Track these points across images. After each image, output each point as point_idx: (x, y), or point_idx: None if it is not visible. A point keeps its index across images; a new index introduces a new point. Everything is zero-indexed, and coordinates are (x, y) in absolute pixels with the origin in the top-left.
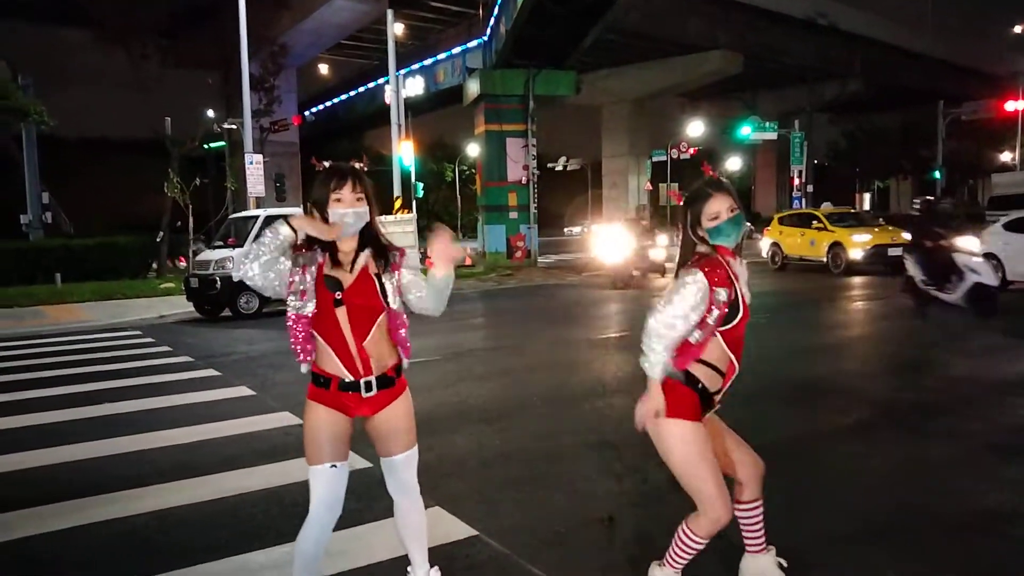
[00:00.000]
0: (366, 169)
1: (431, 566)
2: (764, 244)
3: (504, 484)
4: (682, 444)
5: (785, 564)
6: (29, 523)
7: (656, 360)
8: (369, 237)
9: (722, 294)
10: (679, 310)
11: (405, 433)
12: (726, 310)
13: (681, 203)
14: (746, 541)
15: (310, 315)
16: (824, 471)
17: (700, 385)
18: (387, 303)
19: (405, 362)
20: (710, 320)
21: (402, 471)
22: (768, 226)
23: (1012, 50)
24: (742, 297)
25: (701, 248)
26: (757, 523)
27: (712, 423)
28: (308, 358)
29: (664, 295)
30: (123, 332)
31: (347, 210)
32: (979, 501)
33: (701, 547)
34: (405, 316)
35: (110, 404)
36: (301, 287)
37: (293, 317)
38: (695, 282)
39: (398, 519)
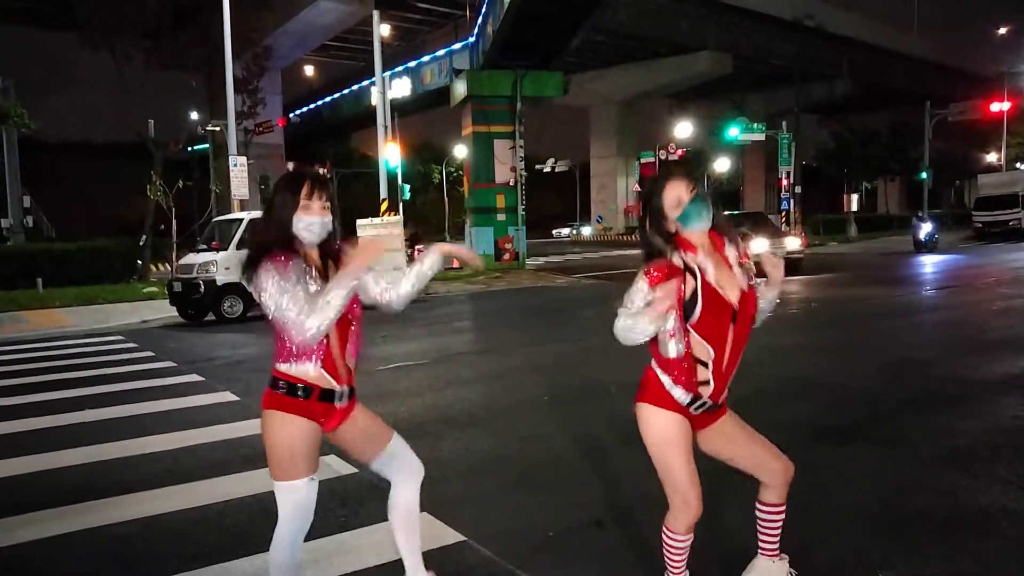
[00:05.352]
0: (330, 176)
1: (427, 571)
2: None
3: (493, 489)
4: (654, 430)
5: (795, 574)
6: (9, 532)
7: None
8: (331, 245)
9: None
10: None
11: (381, 425)
12: (680, 308)
13: (640, 206)
14: (760, 543)
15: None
16: (814, 470)
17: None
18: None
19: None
20: (668, 325)
21: (400, 452)
22: None
23: (997, 51)
24: (704, 289)
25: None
26: (775, 527)
27: (727, 425)
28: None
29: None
30: (105, 337)
31: (315, 219)
32: (970, 500)
33: (684, 545)
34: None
35: (92, 411)
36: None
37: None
38: (638, 284)
39: (396, 514)
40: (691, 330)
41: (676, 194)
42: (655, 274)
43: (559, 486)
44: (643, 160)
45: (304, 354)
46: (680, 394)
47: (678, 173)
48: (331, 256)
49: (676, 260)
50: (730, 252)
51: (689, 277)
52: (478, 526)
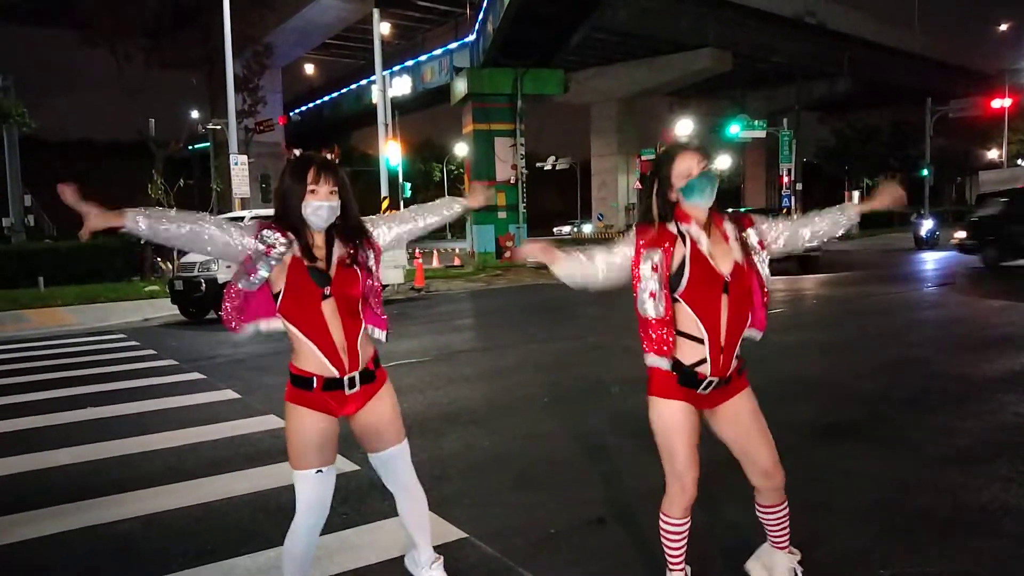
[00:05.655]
0: (338, 160)
1: (435, 553)
2: None
3: (494, 486)
4: (655, 417)
5: (800, 573)
6: (10, 530)
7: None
8: (345, 229)
9: (654, 256)
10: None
11: (393, 426)
12: (667, 272)
13: (648, 171)
14: (769, 536)
15: (252, 292)
16: (815, 469)
17: (674, 362)
18: (369, 280)
19: (382, 333)
20: (649, 285)
21: (395, 466)
22: None
23: (998, 48)
24: (692, 256)
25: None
26: (780, 526)
27: (738, 407)
28: (243, 324)
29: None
30: (107, 336)
31: (322, 203)
32: (972, 498)
33: (682, 530)
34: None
35: (94, 408)
36: (256, 266)
37: (235, 290)
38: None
39: (401, 510)
40: (680, 299)
41: (687, 165)
42: (642, 239)
43: (560, 484)
44: (644, 157)
45: (296, 347)
46: (655, 359)
47: (694, 146)
48: (345, 239)
49: (670, 227)
50: (728, 227)
51: (680, 244)
52: (479, 523)
